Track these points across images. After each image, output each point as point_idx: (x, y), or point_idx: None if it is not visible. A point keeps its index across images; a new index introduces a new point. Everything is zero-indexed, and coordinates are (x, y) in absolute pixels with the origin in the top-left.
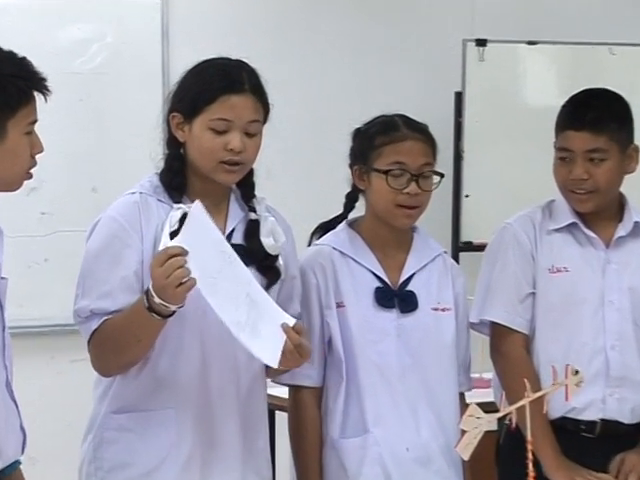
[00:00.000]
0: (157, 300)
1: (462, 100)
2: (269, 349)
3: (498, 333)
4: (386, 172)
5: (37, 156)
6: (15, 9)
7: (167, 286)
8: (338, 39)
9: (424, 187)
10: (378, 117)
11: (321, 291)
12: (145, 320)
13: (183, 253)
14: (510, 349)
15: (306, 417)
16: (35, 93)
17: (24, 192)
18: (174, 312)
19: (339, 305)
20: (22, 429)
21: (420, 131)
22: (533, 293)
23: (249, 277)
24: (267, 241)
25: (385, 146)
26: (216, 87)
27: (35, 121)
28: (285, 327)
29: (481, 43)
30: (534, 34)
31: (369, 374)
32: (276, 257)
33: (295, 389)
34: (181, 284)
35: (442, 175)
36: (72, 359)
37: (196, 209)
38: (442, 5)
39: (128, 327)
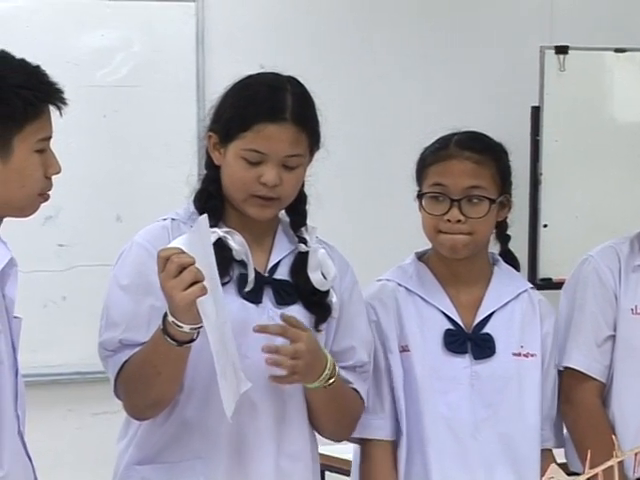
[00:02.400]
0: (170, 318)
1: (540, 116)
2: (230, 396)
3: (571, 379)
4: (423, 195)
5: (54, 179)
6: (28, 13)
7: (175, 288)
8: (397, 47)
9: (469, 214)
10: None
11: (383, 332)
12: (162, 348)
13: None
14: (583, 398)
15: (379, 476)
16: (51, 107)
17: (39, 221)
18: (192, 340)
19: (403, 349)
20: None
21: (474, 149)
22: (613, 336)
23: (226, 317)
24: (314, 276)
25: (430, 166)
26: (252, 113)
27: (49, 137)
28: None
29: (562, 50)
30: (622, 40)
31: (436, 428)
32: (326, 293)
33: (365, 443)
34: (190, 286)
35: (493, 201)
36: (94, 412)
37: (202, 224)
38: (516, 7)
39: (149, 358)
